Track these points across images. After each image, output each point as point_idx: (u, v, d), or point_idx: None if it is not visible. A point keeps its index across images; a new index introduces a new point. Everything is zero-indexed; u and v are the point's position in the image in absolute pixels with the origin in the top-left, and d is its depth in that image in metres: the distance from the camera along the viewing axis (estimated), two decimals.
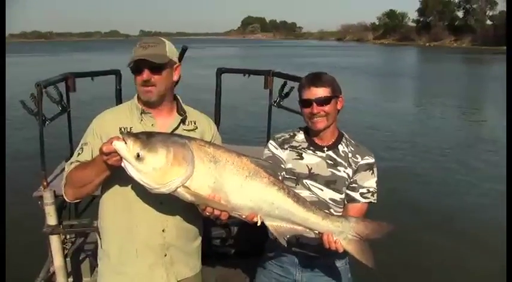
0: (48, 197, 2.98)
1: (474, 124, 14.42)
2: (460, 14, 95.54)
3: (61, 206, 3.22)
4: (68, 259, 3.45)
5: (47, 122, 3.18)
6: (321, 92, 2.17)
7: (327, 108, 2.17)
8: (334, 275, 2.33)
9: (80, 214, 3.85)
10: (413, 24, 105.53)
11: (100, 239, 2.15)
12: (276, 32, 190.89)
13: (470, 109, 17.11)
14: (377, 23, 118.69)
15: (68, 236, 3.58)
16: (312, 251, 2.22)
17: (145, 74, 1.96)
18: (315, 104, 2.16)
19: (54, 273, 3.21)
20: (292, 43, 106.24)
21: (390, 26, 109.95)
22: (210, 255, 3.29)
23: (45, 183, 3.10)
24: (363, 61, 41.68)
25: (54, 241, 3.11)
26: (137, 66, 1.96)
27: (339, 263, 2.33)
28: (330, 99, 2.17)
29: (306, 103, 2.20)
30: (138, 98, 2.08)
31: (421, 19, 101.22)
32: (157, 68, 1.97)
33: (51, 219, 3.04)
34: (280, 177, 2.04)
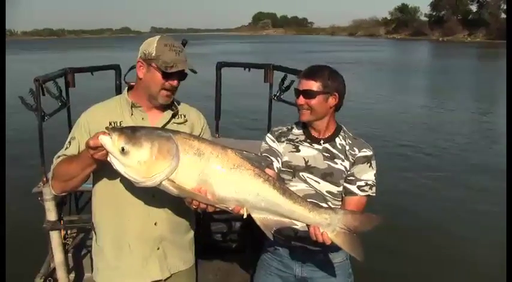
0: (47, 193, 2.99)
1: (488, 120, 14.17)
2: (474, 7, 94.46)
3: (61, 202, 3.23)
4: (70, 255, 3.47)
5: (46, 118, 3.18)
6: (309, 84, 2.17)
7: (312, 102, 2.17)
8: (334, 269, 2.32)
9: (81, 210, 3.86)
10: (426, 19, 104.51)
11: (95, 234, 2.16)
12: (287, 27, 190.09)
13: (485, 105, 16.84)
14: (389, 18, 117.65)
15: (69, 232, 3.59)
16: (311, 244, 2.19)
17: (177, 81, 2.00)
18: (301, 96, 2.18)
19: (55, 269, 3.22)
20: (304, 39, 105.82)
21: (402, 21, 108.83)
22: (210, 250, 3.28)
23: (44, 179, 3.10)
24: (375, 56, 41.36)
25: (54, 237, 3.13)
26: (170, 72, 1.96)
27: (340, 258, 2.32)
28: (315, 93, 2.16)
29: (295, 93, 2.24)
30: (129, 93, 2.09)
31: (434, 13, 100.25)
32: (185, 76, 2.02)
33: (51, 215, 3.06)
34: (272, 170, 2.03)
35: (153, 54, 1.97)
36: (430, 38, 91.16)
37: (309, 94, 2.16)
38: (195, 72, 2.03)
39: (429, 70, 30.59)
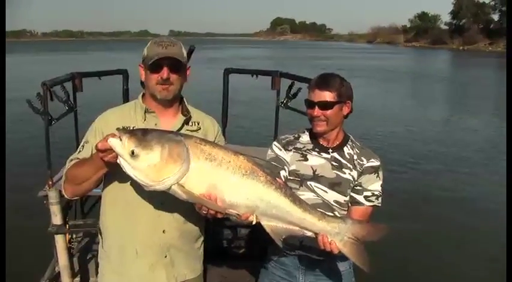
0: (53, 197, 3.00)
1: (504, 132, 13.90)
2: (496, 16, 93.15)
3: (67, 206, 3.23)
4: (74, 259, 3.47)
5: (53, 122, 3.20)
6: (324, 95, 2.15)
7: (328, 112, 2.15)
8: (337, 278, 2.31)
9: (86, 214, 3.86)
10: (446, 27, 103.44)
11: (101, 238, 2.15)
12: (306, 33, 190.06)
13: (502, 116, 16.55)
14: (408, 26, 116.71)
15: (74, 236, 3.59)
16: (315, 254, 2.20)
17: (166, 72, 1.98)
18: (316, 107, 2.15)
19: (59, 273, 3.22)
20: (321, 45, 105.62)
21: (422, 29, 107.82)
22: (215, 256, 3.26)
23: (50, 183, 3.11)
24: (394, 64, 40.96)
25: (60, 241, 3.14)
26: (157, 64, 1.98)
27: (343, 267, 2.31)
28: (332, 104, 2.14)
29: (309, 105, 2.20)
30: (143, 98, 2.10)
31: (454, 22, 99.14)
32: (176, 67, 2.01)
33: (57, 219, 3.07)
34: (279, 178, 2.02)
35: (145, 55, 2.02)
36: (450, 46, 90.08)
37: (325, 105, 2.14)
38: (178, 61, 2.01)
39: (449, 80, 30.17)
